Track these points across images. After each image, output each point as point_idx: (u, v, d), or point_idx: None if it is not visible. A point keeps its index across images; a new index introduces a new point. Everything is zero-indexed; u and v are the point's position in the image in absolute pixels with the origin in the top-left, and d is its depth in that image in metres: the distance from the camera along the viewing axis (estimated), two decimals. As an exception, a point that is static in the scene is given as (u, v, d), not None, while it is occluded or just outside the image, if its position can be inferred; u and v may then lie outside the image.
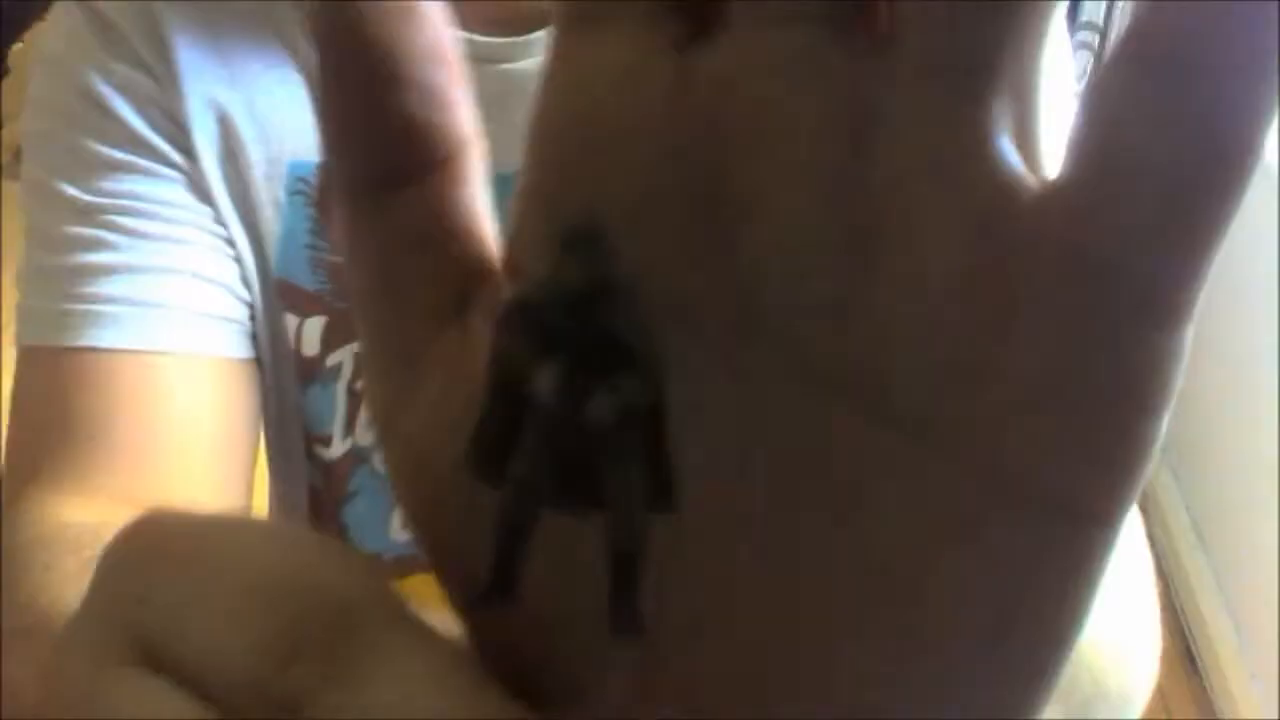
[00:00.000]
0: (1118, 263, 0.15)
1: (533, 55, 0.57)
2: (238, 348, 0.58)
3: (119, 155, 0.56)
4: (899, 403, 0.16)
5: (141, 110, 0.56)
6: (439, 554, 0.19)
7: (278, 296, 0.59)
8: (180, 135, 0.57)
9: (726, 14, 0.17)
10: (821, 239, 0.16)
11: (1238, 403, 1.77)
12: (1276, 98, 0.15)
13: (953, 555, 0.16)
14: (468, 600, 0.18)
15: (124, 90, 0.56)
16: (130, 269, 0.55)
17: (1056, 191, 0.16)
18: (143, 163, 0.56)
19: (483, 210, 0.18)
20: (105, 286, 0.55)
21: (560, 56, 0.18)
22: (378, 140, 0.17)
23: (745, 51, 0.17)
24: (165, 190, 0.56)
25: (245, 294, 0.59)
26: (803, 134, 0.16)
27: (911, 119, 0.16)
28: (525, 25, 0.57)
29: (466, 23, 0.56)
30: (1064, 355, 0.16)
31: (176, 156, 0.57)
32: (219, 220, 0.57)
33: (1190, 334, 0.16)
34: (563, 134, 0.18)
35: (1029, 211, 0.16)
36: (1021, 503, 0.16)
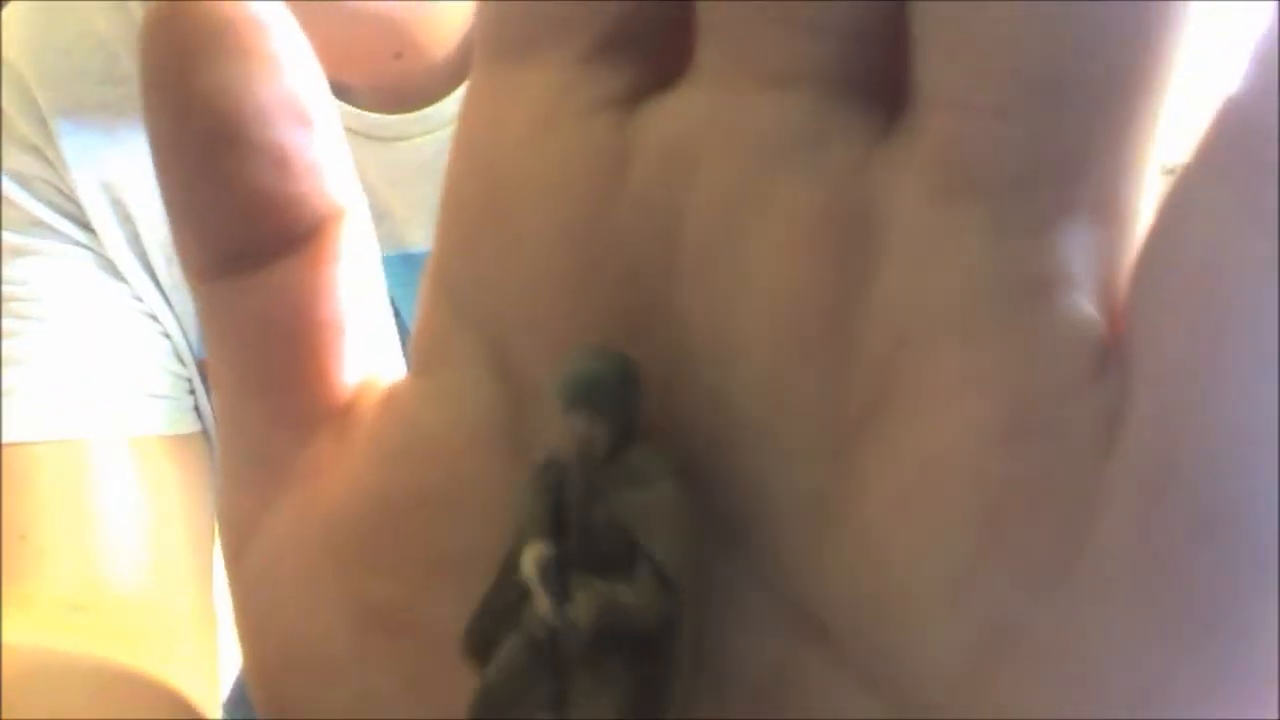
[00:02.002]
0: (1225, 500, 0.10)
1: (428, 131, 0.55)
2: (174, 423, 0.56)
3: (19, 239, 0.54)
4: (901, 678, 0.12)
5: (36, 192, 0.54)
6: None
7: (204, 376, 0.57)
8: (80, 213, 0.54)
9: (694, 60, 0.12)
10: (800, 411, 0.12)
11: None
12: None
13: None
14: None
15: (15, 173, 0.54)
16: (41, 356, 0.53)
17: (1144, 371, 0.10)
18: (45, 244, 0.54)
19: (361, 294, 0.15)
20: (15, 378, 0.52)
21: (473, 100, 0.14)
22: (219, 215, 0.14)
23: (714, 117, 0.12)
24: (73, 270, 0.54)
25: (180, 369, 0.56)
26: (784, 252, 0.12)
27: (931, 247, 0.11)
28: (419, 99, 0.55)
29: (353, 97, 0.54)
30: (1152, 642, 0.10)
31: (80, 235, 0.54)
32: (136, 296, 0.55)
33: None
34: (465, 206, 0.14)
35: (1101, 401, 0.11)
36: None
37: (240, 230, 0.14)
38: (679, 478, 0.12)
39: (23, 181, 0.54)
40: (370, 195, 0.62)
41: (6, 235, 0.54)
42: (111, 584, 0.50)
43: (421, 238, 0.56)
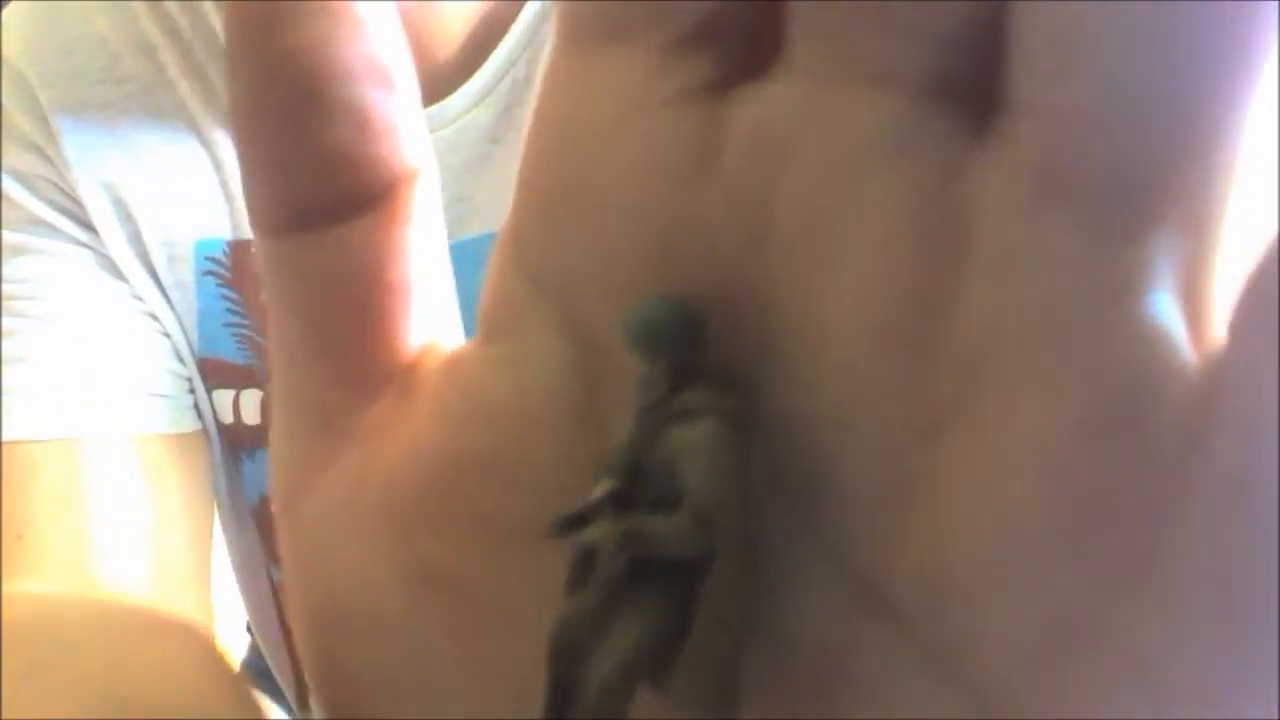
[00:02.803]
0: None
1: (434, 129, 0.55)
2: (175, 422, 0.55)
3: (20, 238, 0.54)
4: (966, 663, 0.12)
5: (37, 191, 0.54)
6: (324, 672, 0.15)
7: (204, 375, 0.57)
8: (81, 212, 0.54)
9: (786, 51, 0.12)
10: (884, 399, 0.12)
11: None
12: None
13: None
14: None
15: (16, 172, 0.54)
16: (41, 355, 0.53)
17: (1227, 375, 0.11)
18: (46, 243, 0.54)
19: (430, 258, 0.15)
20: (14, 376, 0.52)
21: (556, 83, 0.14)
22: (297, 172, 0.14)
23: (808, 110, 0.12)
24: (73, 269, 0.54)
25: (180, 368, 0.56)
26: (875, 246, 0.12)
27: (1024, 249, 0.11)
28: (424, 97, 0.55)
29: None
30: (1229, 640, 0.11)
31: (80, 234, 0.54)
32: (136, 295, 0.55)
33: None
34: (549, 181, 0.14)
35: (1185, 404, 0.11)
36: None
37: (317, 188, 0.14)
38: (726, 416, 0.12)
39: (24, 180, 0.54)
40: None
41: (7, 234, 0.54)
42: (109, 583, 0.50)
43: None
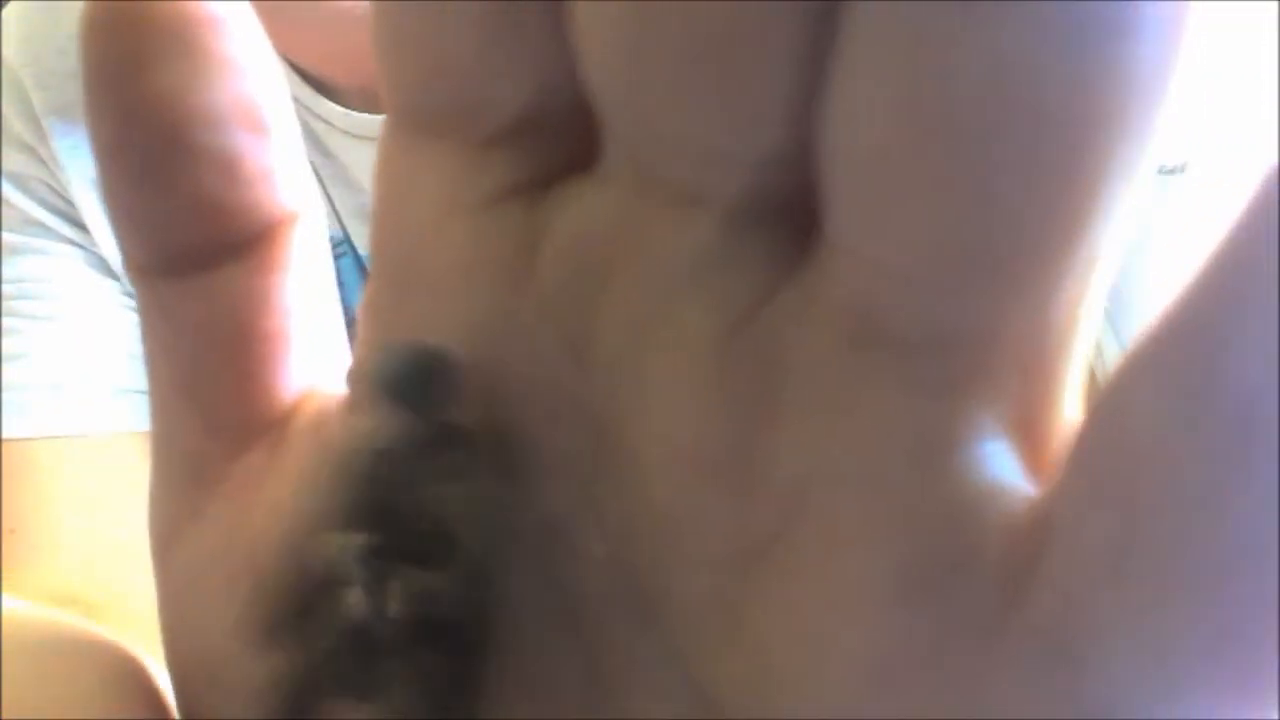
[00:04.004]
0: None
1: None
2: None
3: (13, 238, 0.54)
4: None
5: (31, 191, 0.55)
6: None
7: None
8: (73, 211, 0.55)
9: (604, 152, 0.12)
10: (703, 530, 0.12)
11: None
12: None
13: None
14: None
15: (9, 173, 0.55)
16: (35, 353, 0.53)
17: (1060, 554, 0.10)
18: (39, 242, 0.55)
19: (313, 302, 0.14)
20: (8, 374, 0.53)
21: (386, 167, 0.13)
22: (161, 218, 0.13)
23: (621, 224, 0.12)
24: (65, 267, 0.55)
25: None
26: (685, 384, 0.11)
27: (837, 397, 0.11)
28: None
29: (342, 97, 0.54)
30: None
31: (73, 233, 0.55)
32: (127, 293, 0.56)
33: None
34: (386, 269, 0.13)
35: (1006, 563, 0.10)
36: None
37: (182, 235, 0.14)
38: (500, 476, 0.12)
39: (17, 181, 0.55)
40: (359, 195, 0.61)
41: (3, 234, 0.54)
42: (102, 578, 0.50)
43: None
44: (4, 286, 0.54)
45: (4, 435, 0.53)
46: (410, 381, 0.12)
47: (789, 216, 0.11)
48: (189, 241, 0.14)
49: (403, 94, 0.13)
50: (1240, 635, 0.09)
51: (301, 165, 0.14)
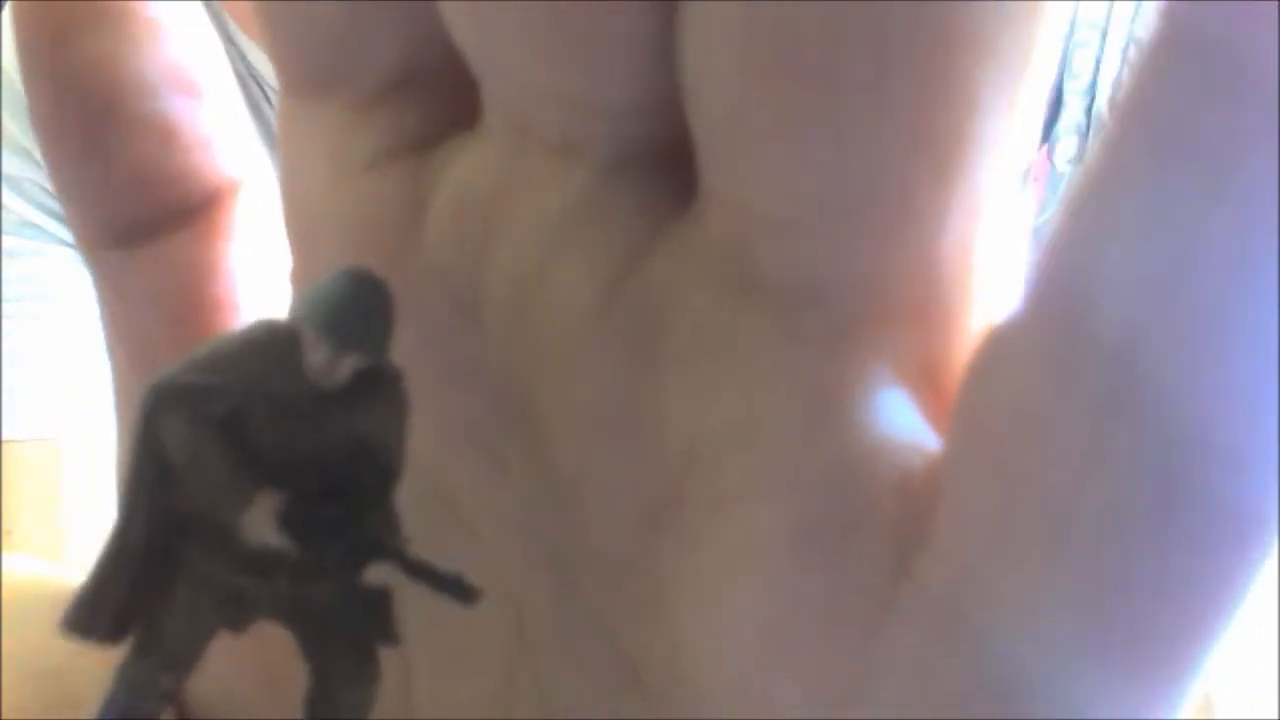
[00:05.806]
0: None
1: None
2: None
3: (9, 240, 0.55)
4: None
5: (25, 194, 0.55)
6: None
7: None
8: None
9: (481, 104, 0.12)
10: (606, 488, 0.11)
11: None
12: None
13: None
14: None
15: (5, 176, 0.56)
16: (29, 355, 0.54)
17: (948, 511, 0.09)
18: (34, 244, 0.55)
19: (259, 271, 0.14)
20: (10, 375, 0.53)
21: (283, 130, 0.13)
22: (102, 188, 0.13)
23: (502, 179, 0.11)
24: (61, 270, 0.55)
25: None
26: (572, 339, 0.11)
27: (719, 351, 0.10)
28: None
29: None
30: None
31: (66, 235, 0.55)
32: None
33: None
34: (289, 229, 0.13)
35: (899, 520, 0.10)
36: None
37: (125, 206, 0.13)
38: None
39: (13, 184, 0.56)
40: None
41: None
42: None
43: None
44: (2, 289, 0.54)
45: (4, 435, 0.53)
46: (370, 322, 0.11)
47: (669, 167, 0.11)
48: (132, 212, 0.14)
49: (286, 61, 0.13)
50: (1127, 603, 0.09)
51: (244, 132, 0.14)
